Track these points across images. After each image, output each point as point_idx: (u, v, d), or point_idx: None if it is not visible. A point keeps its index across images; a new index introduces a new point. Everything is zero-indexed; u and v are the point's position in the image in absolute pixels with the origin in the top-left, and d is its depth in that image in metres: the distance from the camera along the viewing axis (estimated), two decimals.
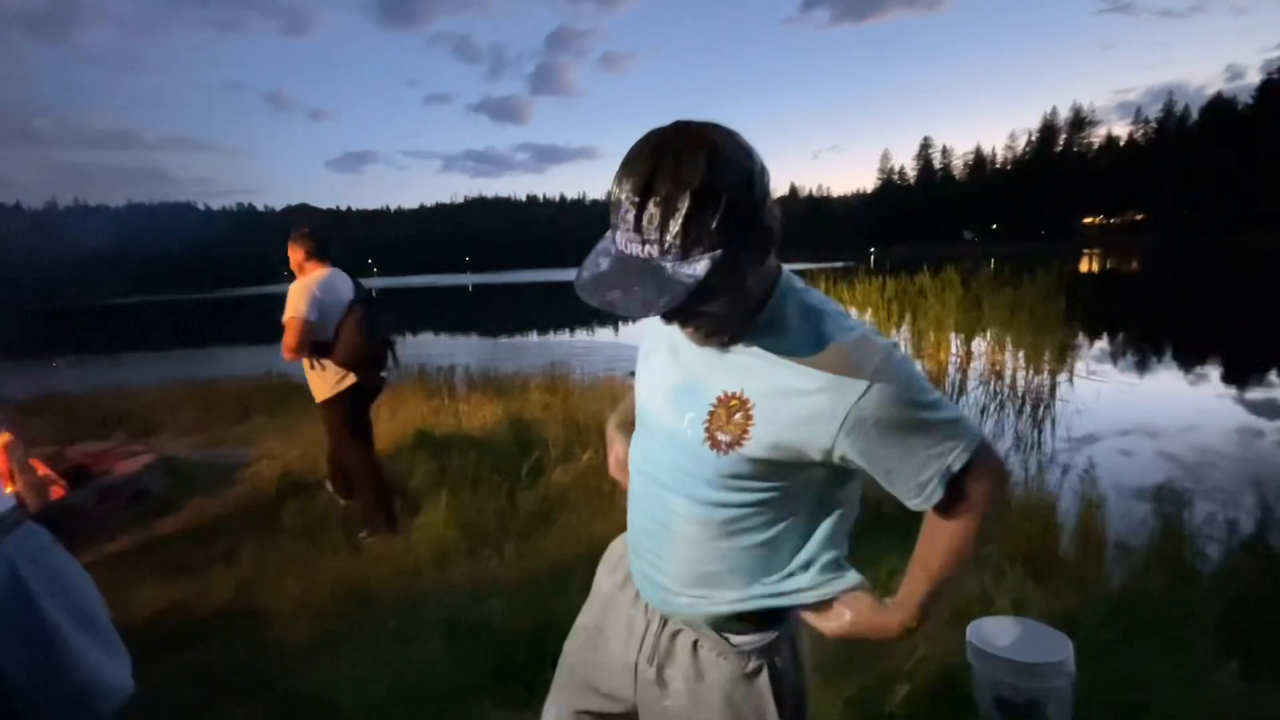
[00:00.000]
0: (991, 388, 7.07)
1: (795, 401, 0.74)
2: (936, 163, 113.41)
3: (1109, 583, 2.51)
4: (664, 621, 0.94)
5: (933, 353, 7.87)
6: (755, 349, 0.78)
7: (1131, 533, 2.91)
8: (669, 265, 0.65)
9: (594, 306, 0.67)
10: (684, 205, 0.63)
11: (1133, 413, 6.08)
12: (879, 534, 2.28)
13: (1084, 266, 33.99)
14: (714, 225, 0.64)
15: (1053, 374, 6.92)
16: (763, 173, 0.68)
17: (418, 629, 2.23)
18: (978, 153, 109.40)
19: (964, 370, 7.62)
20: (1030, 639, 1.63)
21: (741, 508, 0.82)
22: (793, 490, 0.81)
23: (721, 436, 0.78)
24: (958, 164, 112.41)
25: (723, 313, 0.74)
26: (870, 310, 8.72)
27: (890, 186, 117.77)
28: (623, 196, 0.66)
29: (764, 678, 0.88)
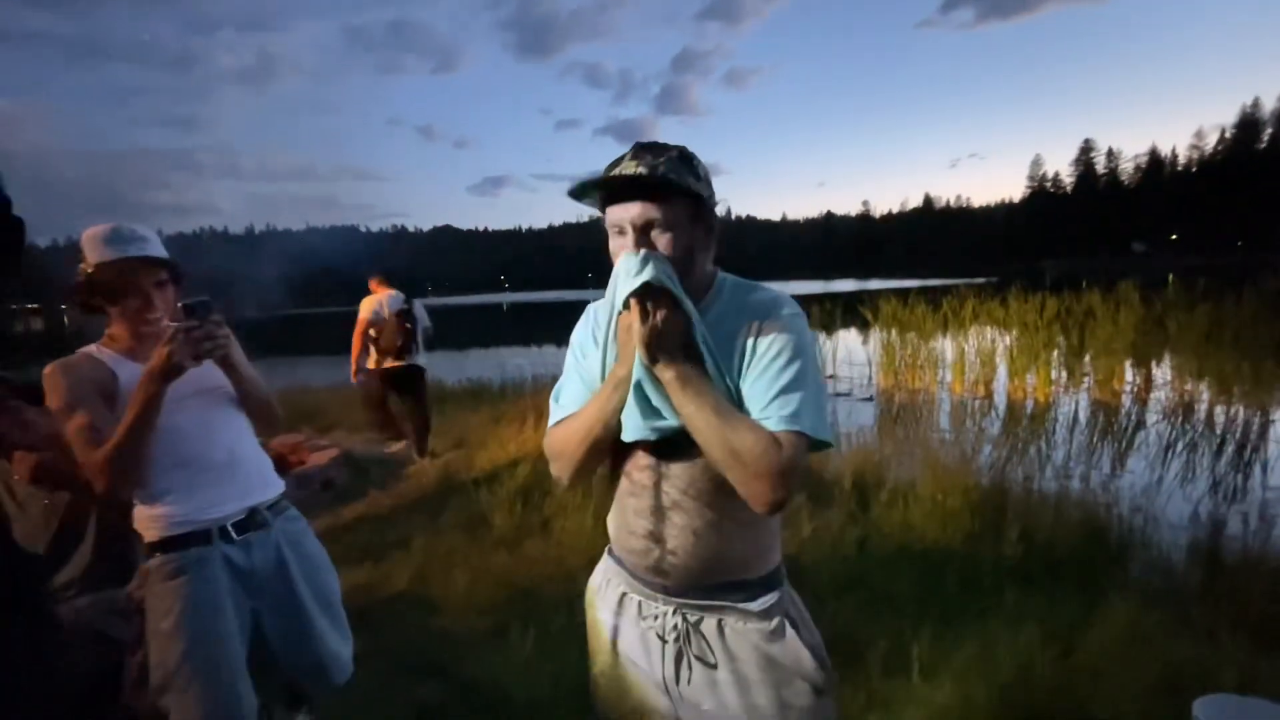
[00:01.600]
0: (1179, 422, 6.14)
1: (737, 354, 0.94)
2: (1100, 167, 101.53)
3: None
4: (681, 616, 0.98)
5: (1104, 380, 7.00)
6: (708, 316, 0.96)
7: None
8: (661, 169, 0.89)
9: (583, 194, 0.93)
10: (674, 151, 0.92)
11: None
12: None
13: None
14: (694, 169, 0.93)
15: (1262, 410, 5.89)
16: (706, 172, 0.96)
17: (576, 628, 2.32)
18: (1152, 154, 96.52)
19: (1143, 401, 6.70)
20: None
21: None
22: None
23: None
24: (1126, 167, 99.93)
25: (685, 249, 0.92)
26: (1024, 332, 7.93)
27: (1042, 194, 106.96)
28: (620, 156, 0.93)
29: (789, 630, 0.97)
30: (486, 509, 3.54)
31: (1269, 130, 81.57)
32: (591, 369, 1.02)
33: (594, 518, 3.19)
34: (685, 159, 0.92)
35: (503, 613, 2.53)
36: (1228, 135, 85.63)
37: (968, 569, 2.71)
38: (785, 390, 0.88)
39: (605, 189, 0.92)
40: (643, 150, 0.91)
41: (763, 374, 0.90)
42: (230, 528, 1.40)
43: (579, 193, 0.93)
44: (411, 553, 3.09)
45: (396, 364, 4.74)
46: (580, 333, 1.09)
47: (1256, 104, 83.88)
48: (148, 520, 1.38)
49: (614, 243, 0.93)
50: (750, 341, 0.92)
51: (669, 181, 0.88)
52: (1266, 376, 5.98)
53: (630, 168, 0.89)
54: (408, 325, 4.72)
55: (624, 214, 0.91)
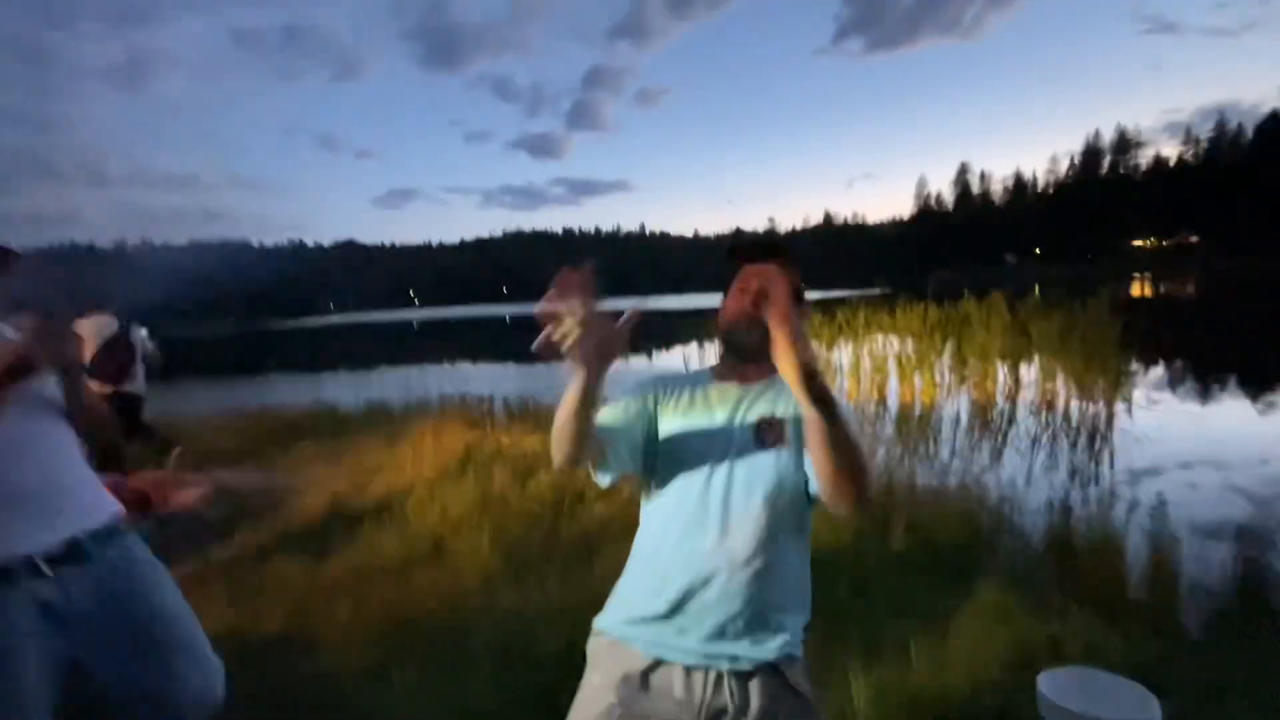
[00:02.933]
0: (1043, 418, 6.80)
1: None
2: (975, 187, 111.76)
3: (1189, 631, 2.35)
4: (715, 679, 0.98)
5: (980, 382, 7.65)
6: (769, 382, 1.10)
7: (1208, 573, 2.73)
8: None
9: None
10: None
11: (1198, 443, 5.75)
12: None
13: (1136, 290, 32.73)
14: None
15: (1109, 403, 6.63)
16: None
17: (465, 657, 2.22)
18: (1017, 177, 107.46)
19: (1012, 399, 7.36)
20: (1110, 694, 1.52)
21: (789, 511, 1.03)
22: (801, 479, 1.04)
23: (766, 433, 1.04)
24: (997, 189, 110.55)
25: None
26: (911, 339, 8.54)
27: (927, 212, 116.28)
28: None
29: (795, 667, 1.03)
30: (373, 537, 3.34)
31: (1108, 158, 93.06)
32: (629, 419, 1.09)
33: (489, 538, 3.09)
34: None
35: (389, 647, 2.37)
36: (1075, 162, 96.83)
37: (858, 568, 2.84)
38: None
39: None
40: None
41: None
42: (41, 563, 1.22)
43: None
44: (291, 588, 2.86)
45: (112, 391, 4.76)
46: (646, 390, 1.14)
47: (1097, 134, 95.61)
48: None
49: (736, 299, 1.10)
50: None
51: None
52: (1110, 373, 6.72)
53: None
54: (121, 352, 4.83)
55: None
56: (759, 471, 1.01)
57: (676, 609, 1.00)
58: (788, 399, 1.05)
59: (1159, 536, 2.84)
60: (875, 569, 2.81)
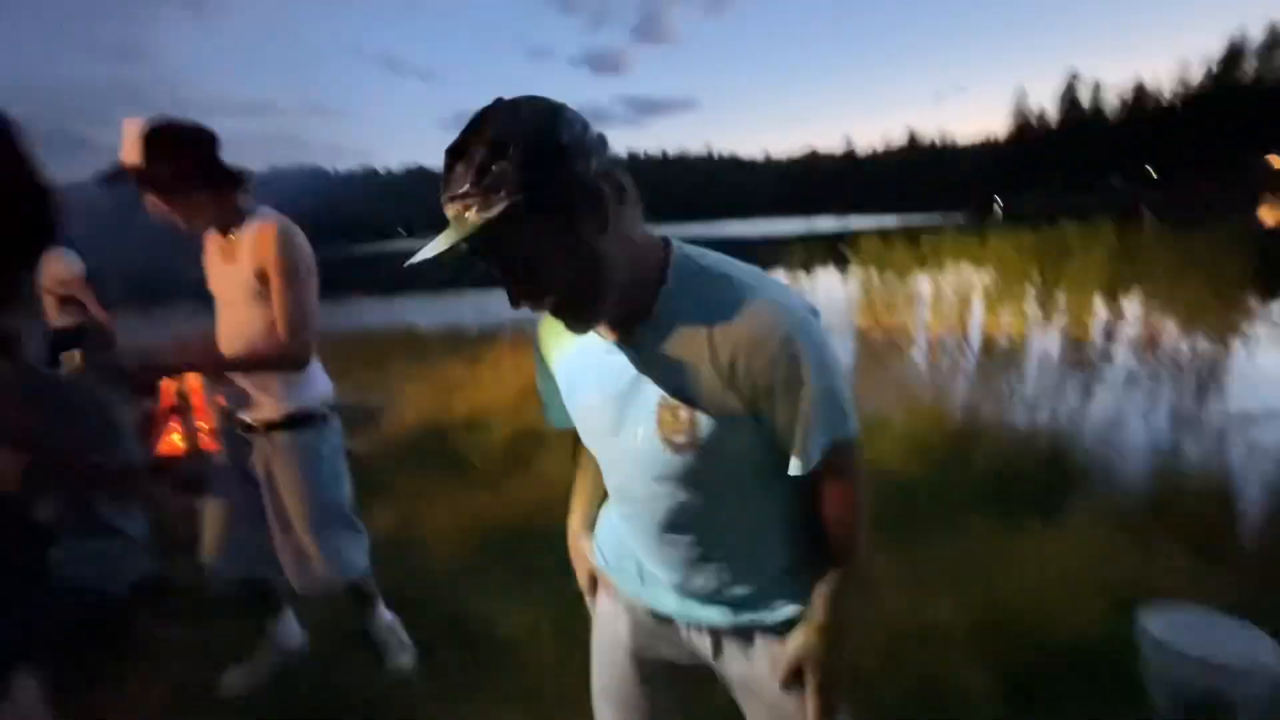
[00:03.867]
0: (1148, 356, 6.30)
1: (719, 379, 0.75)
2: (1085, 100, 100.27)
3: None
4: (707, 635, 0.93)
5: (1076, 315, 7.12)
6: (665, 339, 0.76)
7: None
8: (471, 214, 0.65)
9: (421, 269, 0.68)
10: (479, 155, 0.64)
11: None
12: None
13: (1266, 217, 29.04)
14: (510, 172, 0.63)
15: (1225, 340, 6.06)
16: (578, 130, 0.68)
17: (557, 565, 2.37)
18: (1137, 86, 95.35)
19: (1112, 336, 6.85)
20: (1219, 633, 1.47)
21: (729, 486, 0.82)
22: (761, 449, 0.80)
23: (678, 439, 0.78)
24: (1111, 101, 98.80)
25: (571, 280, 0.70)
26: (1001, 269, 7.99)
27: (1027, 129, 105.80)
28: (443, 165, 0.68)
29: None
30: (467, 450, 3.56)
31: (1253, 64, 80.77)
32: (544, 373, 0.97)
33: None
34: (500, 147, 0.64)
35: (485, 551, 2.57)
36: (1213, 68, 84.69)
37: (936, 494, 2.80)
38: (822, 424, 0.76)
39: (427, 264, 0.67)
40: (452, 176, 0.66)
41: (789, 415, 0.75)
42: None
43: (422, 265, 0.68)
44: (391, 495, 3.11)
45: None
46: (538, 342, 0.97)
47: (1242, 33, 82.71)
48: None
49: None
50: (746, 377, 0.74)
51: (485, 233, 0.64)
52: (1230, 309, 6.12)
53: (450, 207, 0.66)
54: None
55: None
56: (668, 466, 0.80)
57: (639, 571, 0.96)
58: (682, 358, 0.76)
59: (1273, 480, 2.66)
60: (956, 499, 2.77)
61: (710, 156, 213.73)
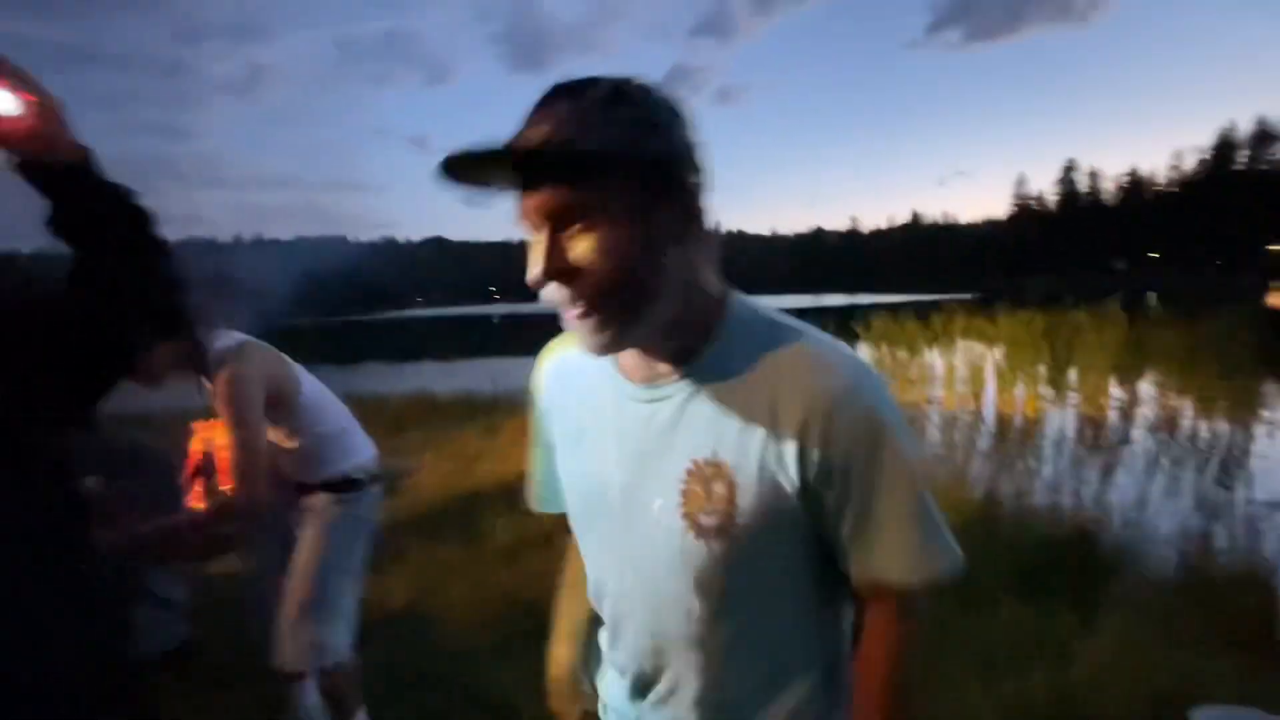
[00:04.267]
0: (1163, 439, 6.26)
1: (775, 446, 0.58)
2: (1083, 186, 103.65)
3: None
4: None
5: (1090, 395, 7.13)
6: (712, 390, 0.61)
7: None
8: (568, 128, 0.53)
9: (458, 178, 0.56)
10: (597, 90, 0.55)
11: None
12: None
13: (1274, 301, 29.27)
14: (625, 120, 0.53)
15: (1244, 425, 6.02)
16: (679, 114, 0.58)
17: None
18: (1133, 174, 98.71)
19: (1128, 417, 6.82)
20: None
21: (754, 596, 0.63)
22: (803, 553, 0.63)
23: (706, 520, 0.60)
24: (1108, 187, 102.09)
25: (619, 277, 0.55)
26: (1011, 349, 8.08)
27: (1027, 212, 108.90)
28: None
29: None
30: (486, 521, 3.55)
31: (1245, 152, 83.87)
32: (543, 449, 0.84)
33: None
34: (617, 99, 0.54)
35: (506, 625, 2.53)
36: (1206, 157, 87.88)
37: (963, 584, 2.75)
38: (916, 542, 0.60)
39: (475, 172, 0.56)
40: (555, 97, 0.55)
41: (861, 508, 0.59)
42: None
43: (460, 170, 0.55)
44: (409, 567, 3.09)
45: None
46: (540, 404, 0.82)
47: (1233, 126, 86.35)
48: None
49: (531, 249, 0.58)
50: (812, 449, 0.58)
51: (572, 152, 0.53)
52: (1245, 393, 6.11)
53: (528, 133, 0.54)
54: None
55: (527, 204, 0.57)
56: (685, 556, 0.62)
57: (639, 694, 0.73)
58: (731, 415, 0.60)
59: None
60: (985, 588, 2.72)
61: (718, 231, 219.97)
